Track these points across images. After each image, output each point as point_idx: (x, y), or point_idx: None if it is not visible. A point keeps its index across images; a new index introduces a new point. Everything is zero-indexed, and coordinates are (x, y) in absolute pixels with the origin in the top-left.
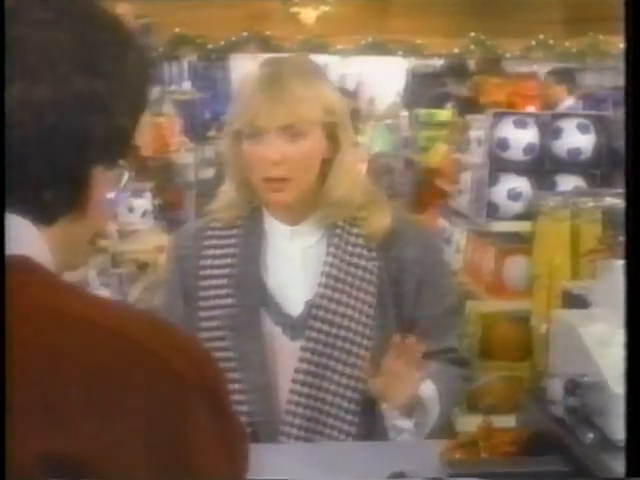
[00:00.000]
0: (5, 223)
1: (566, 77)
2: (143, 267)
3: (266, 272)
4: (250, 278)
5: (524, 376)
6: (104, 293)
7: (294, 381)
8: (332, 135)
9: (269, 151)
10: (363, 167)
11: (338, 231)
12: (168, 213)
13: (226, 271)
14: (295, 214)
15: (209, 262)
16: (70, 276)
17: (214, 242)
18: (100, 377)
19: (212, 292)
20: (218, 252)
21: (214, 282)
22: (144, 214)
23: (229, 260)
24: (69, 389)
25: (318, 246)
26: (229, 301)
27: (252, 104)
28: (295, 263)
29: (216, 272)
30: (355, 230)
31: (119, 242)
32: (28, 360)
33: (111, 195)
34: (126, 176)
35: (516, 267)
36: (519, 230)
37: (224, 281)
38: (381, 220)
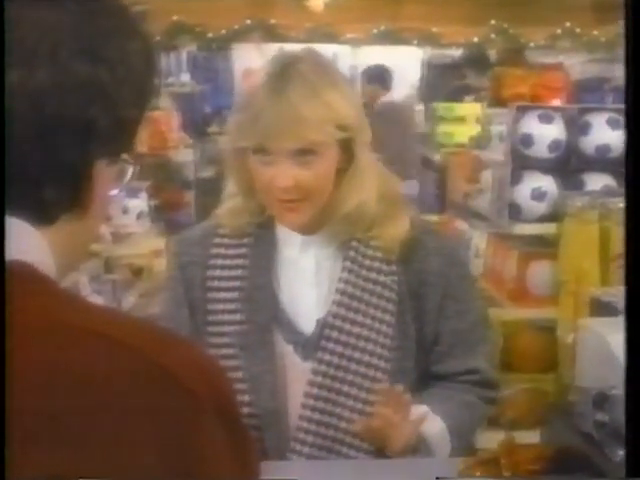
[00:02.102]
0: (5, 227)
1: (379, 77)
2: (138, 273)
3: (278, 285)
4: (262, 292)
5: (549, 389)
6: (97, 300)
7: (304, 406)
8: (347, 147)
9: (280, 177)
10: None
11: (354, 244)
12: (165, 215)
13: (236, 284)
14: (308, 222)
15: (217, 273)
16: (60, 281)
17: (222, 251)
18: (104, 391)
19: (220, 306)
20: (227, 262)
21: (223, 295)
22: (139, 216)
23: (239, 272)
24: (71, 403)
25: (333, 259)
26: (239, 317)
27: (260, 124)
28: (308, 276)
29: (225, 284)
30: (373, 242)
31: (113, 246)
32: (28, 372)
33: (114, 191)
34: (130, 171)
35: (540, 272)
36: (544, 233)
37: (234, 294)
38: (399, 230)
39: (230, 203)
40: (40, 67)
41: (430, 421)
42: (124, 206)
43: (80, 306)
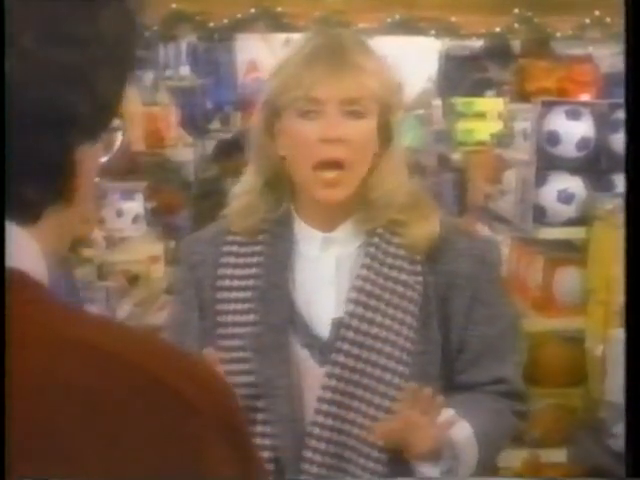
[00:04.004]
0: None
1: None
2: (134, 280)
3: (294, 285)
4: (277, 292)
5: (577, 404)
6: (89, 309)
7: (316, 412)
8: (384, 124)
9: (327, 128)
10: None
11: (376, 240)
12: (163, 218)
13: (249, 283)
14: (330, 217)
15: (229, 272)
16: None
17: (235, 249)
18: (101, 407)
19: (232, 306)
20: (240, 261)
21: (234, 295)
22: (135, 219)
23: (253, 270)
24: (66, 419)
25: (355, 257)
26: (252, 318)
27: (307, 74)
28: (327, 276)
29: (237, 284)
30: (396, 239)
31: (106, 251)
32: (22, 388)
33: (104, 159)
34: (119, 137)
35: (567, 280)
36: (571, 237)
37: (247, 294)
38: (426, 228)
39: (242, 201)
40: (4, 55)
41: (457, 425)
42: (118, 209)
43: (76, 317)
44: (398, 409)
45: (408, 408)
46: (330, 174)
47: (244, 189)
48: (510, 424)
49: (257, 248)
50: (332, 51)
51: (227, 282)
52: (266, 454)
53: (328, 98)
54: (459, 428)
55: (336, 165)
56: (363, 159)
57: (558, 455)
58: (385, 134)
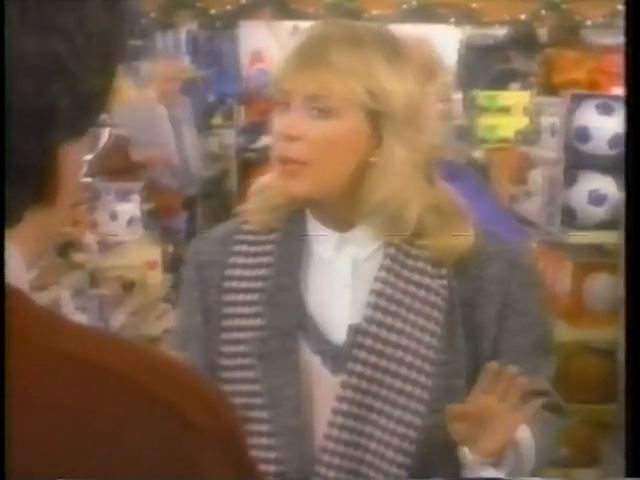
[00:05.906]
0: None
1: None
2: (129, 287)
3: (306, 288)
4: (286, 294)
5: (609, 421)
6: (81, 319)
7: (331, 424)
8: (378, 127)
9: (288, 124)
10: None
11: (397, 241)
12: (160, 221)
13: (258, 285)
14: (343, 217)
15: (237, 272)
16: (38, 297)
17: (245, 248)
18: (91, 423)
19: (238, 310)
20: (249, 261)
21: (241, 297)
22: (130, 222)
23: (262, 271)
24: (55, 436)
25: (373, 259)
26: (259, 322)
27: (283, 66)
28: (342, 278)
29: (245, 285)
30: (419, 242)
31: (99, 256)
32: (20, 410)
33: (89, 157)
34: (106, 133)
35: (599, 287)
36: (603, 242)
37: (254, 297)
38: (457, 240)
39: (259, 199)
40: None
41: (521, 426)
42: (113, 211)
43: (62, 327)
44: (473, 392)
45: (484, 392)
46: (292, 167)
47: (264, 184)
48: (554, 438)
49: (268, 247)
50: (316, 44)
51: (235, 284)
52: (272, 468)
53: (293, 91)
54: (521, 427)
55: (294, 162)
56: (331, 157)
57: (589, 474)
58: (374, 140)
